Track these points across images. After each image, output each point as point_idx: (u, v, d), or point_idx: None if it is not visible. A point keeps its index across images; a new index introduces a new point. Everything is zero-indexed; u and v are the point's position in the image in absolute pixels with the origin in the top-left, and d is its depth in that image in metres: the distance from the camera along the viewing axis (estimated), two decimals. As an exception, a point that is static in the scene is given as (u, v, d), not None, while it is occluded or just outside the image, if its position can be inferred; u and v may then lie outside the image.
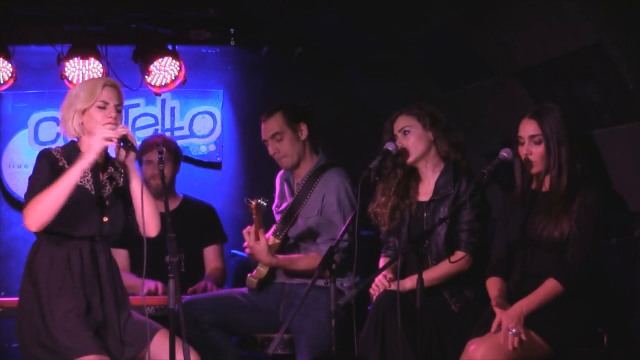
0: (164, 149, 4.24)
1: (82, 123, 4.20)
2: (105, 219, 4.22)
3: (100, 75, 5.82)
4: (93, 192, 4.21)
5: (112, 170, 4.30)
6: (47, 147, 4.33)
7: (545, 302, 4.18)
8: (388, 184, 4.72)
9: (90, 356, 4.02)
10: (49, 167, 4.15)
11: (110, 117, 4.16)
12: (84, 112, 4.18)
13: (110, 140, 4.08)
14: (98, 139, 4.09)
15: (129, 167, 4.15)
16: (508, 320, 4.13)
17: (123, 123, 4.28)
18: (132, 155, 4.14)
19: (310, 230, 4.98)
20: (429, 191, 4.67)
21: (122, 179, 4.30)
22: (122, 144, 4.10)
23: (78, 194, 4.13)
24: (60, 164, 4.18)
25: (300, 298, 4.28)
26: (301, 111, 5.08)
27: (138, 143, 4.17)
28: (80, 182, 4.17)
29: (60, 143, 5.88)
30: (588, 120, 4.67)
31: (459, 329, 4.45)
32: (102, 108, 4.17)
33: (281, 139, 5.03)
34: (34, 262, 4.20)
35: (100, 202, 4.19)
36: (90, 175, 4.22)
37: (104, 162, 4.29)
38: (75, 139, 4.26)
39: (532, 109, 4.37)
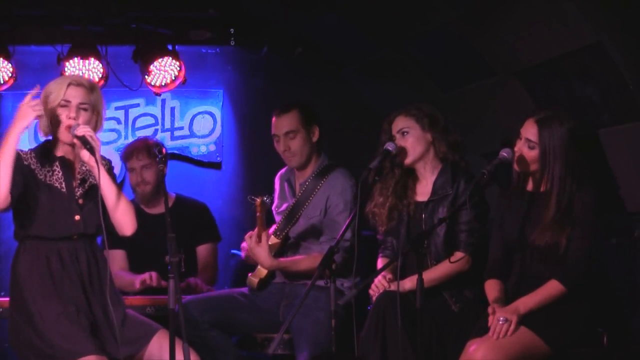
0: (163, 148, 4.24)
1: (50, 122, 4.17)
2: (77, 218, 4.18)
3: (100, 76, 5.82)
4: (64, 191, 4.18)
5: (86, 168, 4.24)
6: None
7: (545, 303, 4.17)
8: (386, 184, 4.71)
9: (90, 356, 4.01)
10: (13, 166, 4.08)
11: (71, 117, 4.13)
12: (51, 111, 4.16)
13: (27, 117, 4.02)
14: (22, 115, 4.03)
15: (92, 167, 4.09)
16: (501, 312, 4.13)
17: (93, 124, 4.20)
18: (93, 157, 4.05)
19: (312, 230, 4.98)
20: (427, 191, 4.66)
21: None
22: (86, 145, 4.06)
23: (48, 193, 4.11)
24: (26, 162, 4.15)
25: (300, 298, 4.28)
26: (315, 113, 5.08)
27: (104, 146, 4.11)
28: (50, 180, 4.17)
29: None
30: (588, 120, 4.66)
31: (458, 329, 4.45)
32: (64, 107, 4.15)
33: (294, 138, 5.02)
34: (17, 266, 4.19)
35: (72, 201, 4.16)
36: (61, 173, 4.20)
37: (76, 160, 4.24)
38: (48, 139, 4.24)
39: (542, 112, 4.31)
